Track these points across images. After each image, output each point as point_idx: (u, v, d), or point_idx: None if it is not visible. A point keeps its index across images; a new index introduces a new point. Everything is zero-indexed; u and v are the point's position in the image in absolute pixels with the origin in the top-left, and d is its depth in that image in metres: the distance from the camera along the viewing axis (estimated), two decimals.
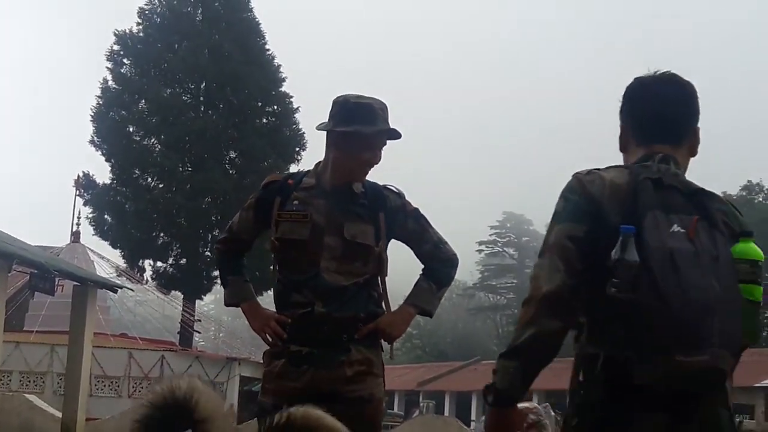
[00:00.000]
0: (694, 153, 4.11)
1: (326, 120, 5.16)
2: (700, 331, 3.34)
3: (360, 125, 5.00)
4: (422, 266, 5.33)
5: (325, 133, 5.18)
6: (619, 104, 4.15)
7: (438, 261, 5.29)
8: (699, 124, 4.15)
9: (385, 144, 5.16)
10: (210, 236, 37.17)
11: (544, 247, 3.71)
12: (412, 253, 5.38)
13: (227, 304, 5.66)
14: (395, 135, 5.16)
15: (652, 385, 3.44)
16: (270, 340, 4.98)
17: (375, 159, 5.10)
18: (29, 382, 30.54)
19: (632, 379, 3.39)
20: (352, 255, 4.98)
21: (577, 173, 3.90)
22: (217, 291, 41.87)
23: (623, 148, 4.10)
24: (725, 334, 3.36)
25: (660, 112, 3.96)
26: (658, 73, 4.06)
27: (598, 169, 3.83)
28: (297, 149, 38.18)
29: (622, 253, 3.39)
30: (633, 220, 3.50)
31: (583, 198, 3.68)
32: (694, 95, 4.07)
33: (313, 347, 4.85)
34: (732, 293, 3.45)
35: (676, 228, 3.44)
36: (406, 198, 5.24)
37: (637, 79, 4.10)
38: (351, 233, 4.97)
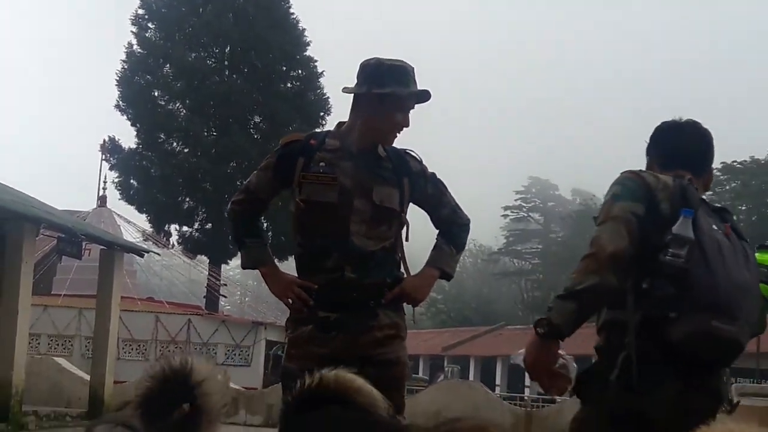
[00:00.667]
0: (707, 188, 4.79)
1: (354, 83, 5.14)
2: (735, 307, 3.99)
3: (396, 86, 5.00)
4: (438, 230, 5.35)
5: (351, 96, 5.17)
6: (647, 143, 4.79)
7: (456, 226, 5.32)
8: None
9: (413, 107, 5.17)
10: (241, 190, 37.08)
11: (606, 216, 4.14)
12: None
13: (244, 267, 5.66)
14: (426, 97, 5.16)
15: (682, 347, 3.98)
16: (294, 305, 4.96)
17: (406, 121, 5.10)
18: (57, 345, 30.81)
19: (668, 337, 3.96)
20: (380, 219, 4.98)
21: (628, 170, 4.52)
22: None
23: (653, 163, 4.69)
24: (751, 316, 4.10)
25: (688, 146, 4.64)
26: (684, 119, 4.73)
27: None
28: (322, 114, 38.31)
29: (681, 229, 3.96)
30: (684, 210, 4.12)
31: (642, 185, 4.21)
32: (712, 141, 4.77)
33: (342, 313, 4.85)
34: (757, 286, 4.24)
35: (715, 227, 4.15)
36: (424, 163, 5.28)
37: (665, 122, 4.74)
38: (380, 197, 4.98)
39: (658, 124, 4.81)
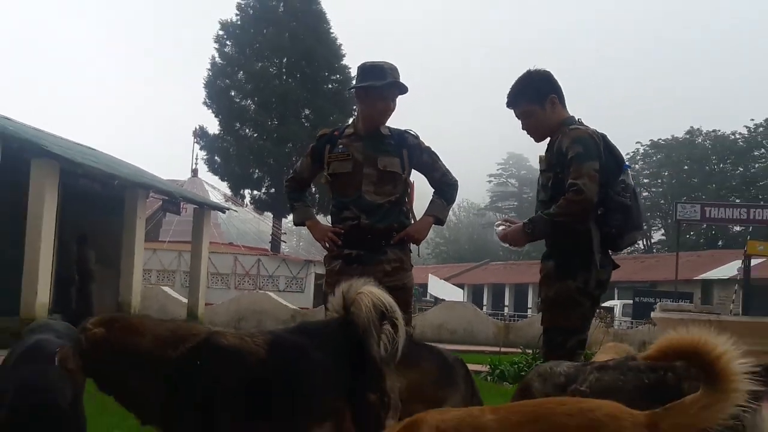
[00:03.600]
0: None
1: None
2: (642, 223, 5.11)
3: (372, 80, 5.12)
4: (433, 189, 5.44)
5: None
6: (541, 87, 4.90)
7: (446, 185, 5.38)
8: None
9: (397, 95, 5.24)
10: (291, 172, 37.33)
11: (580, 174, 4.51)
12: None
13: (296, 224, 5.78)
14: (403, 88, 5.22)
15: (621, 248, 5.21)
16: (328, 246, 5.09)
17: (389, 107, 5.19)
18: (164, 278, 31.05)
19: (617, 245, 4.92)
20: (384, 180, 5.08)
21: (576, 127, 4.77)
22: None
23: (553, 108, 4.86)
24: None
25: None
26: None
27: (581, 125, 4.78)
28: (354, 108, 38.00)
29: (626, 178, 4.69)
30: (618, 161, 4.79)
31: (595, 144, 4.57)
32: None
33: (361, 250, 4.99)
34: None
35: None
36: (421, 139, 5.34)
37: (539, 69, 4.93)
38: (383, 164, 5.09)
39: (538, 69, 4.94)
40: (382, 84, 5.11)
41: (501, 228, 4.88)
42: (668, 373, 3.20)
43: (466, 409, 2.60)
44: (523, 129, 5.00)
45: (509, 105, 4.98)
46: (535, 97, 4.81)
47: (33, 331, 3.70)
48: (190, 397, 2.94)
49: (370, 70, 5.21)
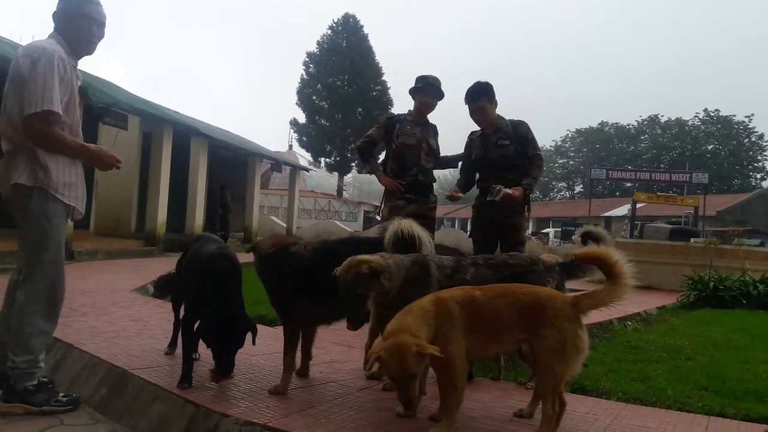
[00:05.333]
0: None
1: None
2: None
3: (420, 85, 4.94)
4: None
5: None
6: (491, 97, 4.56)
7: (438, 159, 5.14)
8: None
9: (436, 99, 4.97)
10: (349, 147, 37.30)
11: (538, 147, 4.62)
12: None
13: (369, 173, 5.35)
14: (439, 94, 4.97)
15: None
16: (394, 190, 4.82)
17: (428, 106, 4.97)
18: (272, 212, 31.26)
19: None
20: (431, 152, 4.91)
21: (520, 120, 4.66)
22: (354, 172, 42.37)
23: (495, 107, 4.59)
24: None
25: None
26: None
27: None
28: (389, 107, 37.87)
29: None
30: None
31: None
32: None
33: (416, 195, 4.85)
34: None
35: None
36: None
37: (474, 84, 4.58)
38: (430, 143, 4.94)
39: (486, 81, 4.57)
40: (424, 85, 4.94)
41: (504, 190, 4.40)
42: (518, 268, 3.07)
43: (463, 288, 2.59)
44: (473, 119, 4.67)
45: (470, 102, 4.61)
46: (490, 97, 4.59)
47: (196, 241, 3.60)
48: (273, 274, 3.14)
49: (420, 79, 5.01)
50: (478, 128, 4.73)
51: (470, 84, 4.64)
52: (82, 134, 3.16)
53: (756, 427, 2.87)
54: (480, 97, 4.57)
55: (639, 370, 3.93)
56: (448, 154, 5.15)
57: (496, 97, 4.63)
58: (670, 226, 16.66)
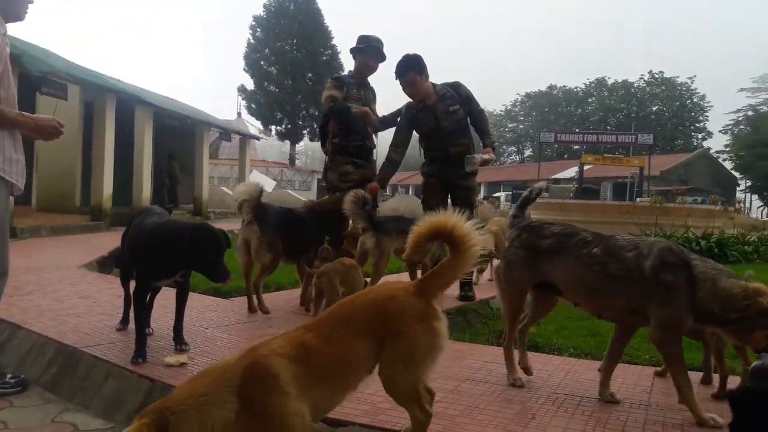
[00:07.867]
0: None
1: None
2: None
3: (364, 45, 4.81)
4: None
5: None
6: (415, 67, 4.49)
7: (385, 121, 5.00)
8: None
9: (378, 61, 4.83)
10: (301, 114, 36.85)
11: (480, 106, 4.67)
12: None
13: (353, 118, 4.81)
14: (382, 57, 4.84)
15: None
16: (371, 121, 4.65)
17: (372, 68, 4.85)
18: (222, 182, 30.70)
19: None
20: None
21: (458, 82, 4.63)
22: (306, 140, 41.98)
23: (426, 78, 4.53)
24: None
25: None
26: None
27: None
28: (340, 72, 37.22)
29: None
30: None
31: None
32: None
33: (363, 160, 4.79)
34: None
35: None
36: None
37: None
38: (373, 108, 4.82)
39: (415, 53, 4.47)
40: (366, 46, 4.81)
41: (480, 157, 4.36)
42: None
43: (287, 335, 1.83)
44: (405, 92, 4.56)
45: (399, 76, 4.50)
46: (419, 70, 4.50)
47: (141, 213, 3.45)
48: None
49: (363, 39, 4.87)
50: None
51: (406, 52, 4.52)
52: (18, 107, 2.99)
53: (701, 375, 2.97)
54: (408, 71, 4.48)
55: (588, 326, 4.07)
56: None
57: (428, 69, 4.53)
58: (575, 185, 17.17)
